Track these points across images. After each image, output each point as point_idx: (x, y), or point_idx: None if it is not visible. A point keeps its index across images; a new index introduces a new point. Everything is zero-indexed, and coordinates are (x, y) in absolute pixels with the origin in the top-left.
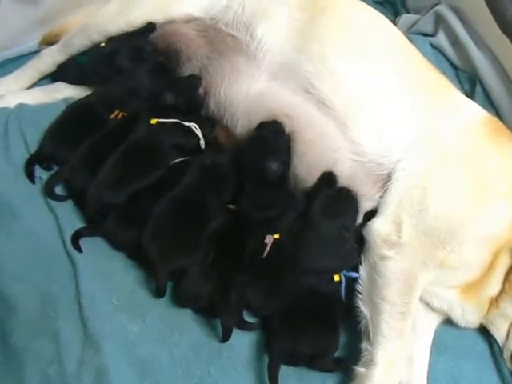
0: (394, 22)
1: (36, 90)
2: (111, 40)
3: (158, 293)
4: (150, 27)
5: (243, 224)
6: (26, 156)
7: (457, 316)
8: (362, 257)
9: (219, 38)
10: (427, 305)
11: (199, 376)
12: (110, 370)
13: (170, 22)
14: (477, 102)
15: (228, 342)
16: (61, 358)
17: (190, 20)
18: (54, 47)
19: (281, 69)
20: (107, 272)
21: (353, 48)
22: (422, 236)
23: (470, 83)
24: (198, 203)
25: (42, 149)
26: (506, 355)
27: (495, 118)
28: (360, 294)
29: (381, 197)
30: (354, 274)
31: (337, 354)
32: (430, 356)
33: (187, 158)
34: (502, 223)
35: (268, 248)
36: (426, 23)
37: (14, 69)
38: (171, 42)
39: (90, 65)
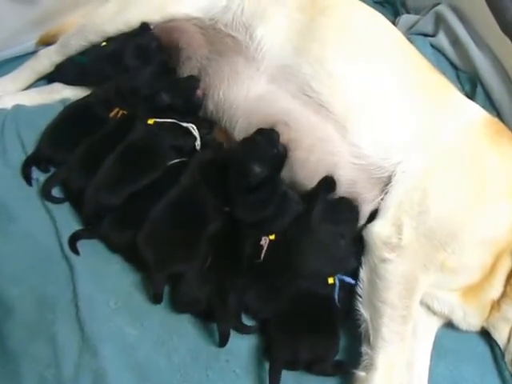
0: (393, 23)
1: (33, 90)
2: (112, 39)
3: (155, 299)
4: (144, 28)
5: (239, 227)
6: (23, 158)
7: (458, 319)
8: (363, 259)
9: (219, 38)
10: (428, 308)
11: (197, 380)
12: (108, 373)
13: (171, 19)
14: (477, 103)
15: (226, 346)
16: (58, 362)
17: (189, 19)
18: (52, 48)
19: (280, 71)
20: (105, 274)
21: (352, 49)
22: (422, 238)
23: (471, 84)
24: (196, 205)
25: (38, 150)
26: (508, 358)
27: (496, 119)
28: (360, 296)
29: (381, 199)
30: (348, 279)
31: (336, 357)
32: (431, 359)
33: (185, 159)
34: (503, 225)
35: (264, 250)
36: (426, 23)
37: (10, 70)
38: (174, 38)
39: (91, 64)
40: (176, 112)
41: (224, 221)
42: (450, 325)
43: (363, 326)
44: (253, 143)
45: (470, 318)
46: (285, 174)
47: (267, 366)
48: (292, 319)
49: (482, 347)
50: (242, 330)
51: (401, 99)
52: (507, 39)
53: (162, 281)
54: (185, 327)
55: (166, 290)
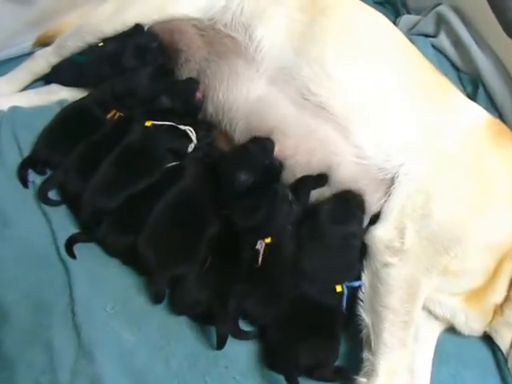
0: (394, 23)
1: (30, 92)
2: (109, 40)
3: (157, 299)
4: (138, 29)
5: (238, 231)
6: (19, 160)
7: (460, 324)
8: (364, 263)
9: (218, 38)
10: (429, 312)
11: None
12: (104, 379)
13: (170, 19)
14: (479, 104)
15: (225, 351)
16: (54, 368)
17: (188, 19)
18: (48, 49)
19: (279, 73)
20: (102, 279)
21: (353, 49)
22: (425, 242)
23: (473, 85)
24: (195, 207)
25: (35, 152)
26: (511, 364)
27: (498, 121)
28: (362, 301)
29: (384, 202)
30: (356, 284)
31: (337, 362)
32: (433, 365)
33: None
34: (506, 229)
35: (261, 254)
36: (428, 24)
37: (6, 71)
38: (172, 39)
39: (89, 65)
40: (175, 115)
41: (223, 223)
42: (451, 329)
43: (364, 331)
44: (243, 150)
45: (472, 323)
46: (288, 178)
47: (267, 372)
48: (291, 323)
49: (485, 352)
50: (240, 335)
51: (402, 100)
52: (509, 40)
53: (164, 280)
54: (183, 332)
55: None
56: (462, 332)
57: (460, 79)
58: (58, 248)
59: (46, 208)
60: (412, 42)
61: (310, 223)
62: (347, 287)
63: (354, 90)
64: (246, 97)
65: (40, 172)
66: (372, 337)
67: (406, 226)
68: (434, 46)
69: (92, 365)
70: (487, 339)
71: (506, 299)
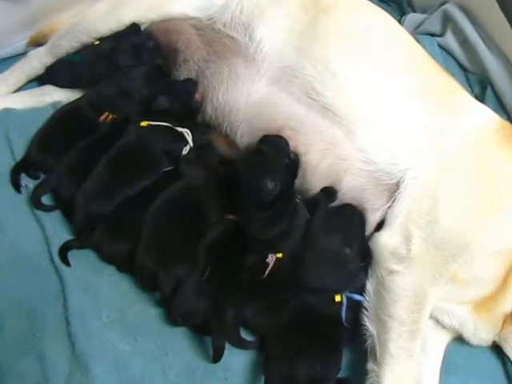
0: (399, 22)
1: (23, 93)
2: (105, 39)
3: (163, 301)
4: (134, 28)
5: (244, 240)
6: (12, 164)
7: (469, 333)
8: (369, 271)
9: (217, 38)
10: (437, 322)
11: None
12: None
13: (167, 18)
14: (487, 106)
15: (224, 362)
16: (47, 380)
17: (186, 18)
18: (42, 49)
19: (281, 73)
20: (96, 287)
21: (357, 49)
22: (432, 249)
23: (481, 86)
24: (198, 209)
25: (28, 156)
26: None
27: (508, 123)
28: (366, 310)
29: (389, 207)
30: (358, 297)
31: (340, 374)
32: (440, 375)
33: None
34: None
35: (270, 267)
36: (434, 23)
37: None
38: (172, 39)
39: (84, 64)
40: (172, 116)
41: (225, 230)
42: (460, 339)
43: (369, 341)
44: (260, 155)
45: (481, 333)
46: (296, 180)
47: None
48: (291, 334)
49: (494, 362)
50: (242, 345)
51: (408, 101)
52: None
53: (170, 282)
54: (180, 342)
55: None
56: (470, 342)
57: (467, 80)
58: (51, 255)
59: (39, 213)
60: (418, 41)
61: (306, 231)
62: (347, 298)
63: (357, 90)
64: (246, 98)
65: (33, 176)
66: (377, 347)
67: (412, 232)
68: (440, 46)
69: (86, 376)
70: (496, 349)
71: None
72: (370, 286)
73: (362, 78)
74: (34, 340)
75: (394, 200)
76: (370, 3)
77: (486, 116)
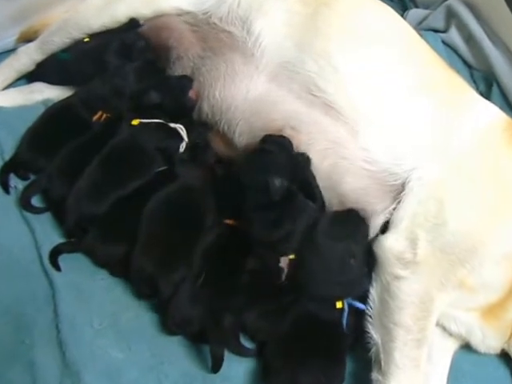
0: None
1: (12, 91)
2: (95, 35)
3: (161, 306)
4: (133, 24)
5: (242, 244)
6: (0, 164)
7: (476, 341)
8: (373, 276)
9: (213, 34)
10: (443, 329)
11: None
12: None
13: (161, 15)
14: (493, 104)
15: (223, 371)
16: None
17: (181, 13)
18: (32, 45)
19: (281, 68)
20: (88, 292)
21: (360, 44)
22: (439, 253)
23: (486, 83)
24: (194, 211)
25: (17, 156)
26: None
27: None
28: (370, 317)
29: (394, 210)
30: (359, 305)
31: None
32: None
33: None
34: None
35: (286, 271)
36: (437, 18)
37: None
38: (162, 37)
39: (73, 62)
40: (166, 114)
41: (221, 234)
42: (467, 347)
43: (373, 349)
44: (263, 153)
45: (489, 340)
46: None
47: None
48: (292, 342)
49: (502, 371)
50: (242, 352)
51: (413, 99)
52: None
53: (170, 285)
54: (177, 350)
55: (155, 311)
56: (478, 349)
57: (472, 77)
58: (41, 259)
59: (29, 216)
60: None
61: (309, 234)
62: (348, 305)
63: (360, 85)
64: (245, 95)
65: (22, 177)
66: (382, 356)
67: (418, 236)
68: (444, 42)
69: None
70: (505, 357)
71: None
72: (373, 292)
73: (364, 73)
74: (23, 348)
75: (399, 202)
76: None
77: (493, 114)
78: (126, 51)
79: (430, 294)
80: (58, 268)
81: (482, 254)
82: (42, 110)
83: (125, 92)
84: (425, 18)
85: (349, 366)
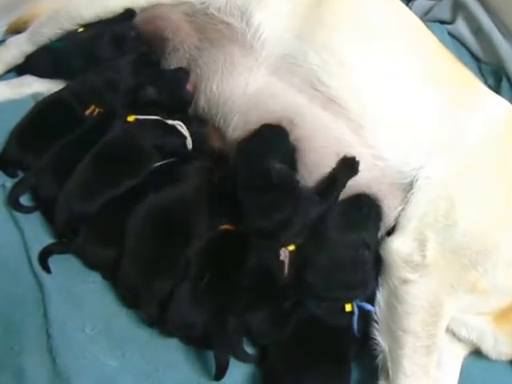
0: None
1: (0, 84)
2: (89, 26)
3: (149, 321)
4: (129, 14)
5: (242, 245)
6: None
7: (488, 347)
8: (380, 280)
9: (211, 25)
10: (453, 335)
11: None
12: None
13: (156, 5)
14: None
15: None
16: None
17: (177, 3)
18: (22, 36)
19: (282, 61)
20: (80, 296)
21: (365, 35)
22: (449, 256)
23: (495, 77)
24: (186, 217)
25: (5, 152)
26: None
27: None
28: (377, 323)
29: (402, 210)
30: (369, 307)
31: None
32: None
33: (172, 159)
34: None
35: (287, 264)
36: (443, 9)
37: None
38: (157, 27)
39: (66, 53)
40: (161, 108)
41: (217, 237)
42: (477, 353)
43: (380, 357)
44: (263, 138)
45: (501, 346)
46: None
47: None
48: (296, 347)
49: None
50: (244, 358)
51: (421, 94)
52: None
53: (154, 300)
54: (173, 356)
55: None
56: (489, 356)
57: (480, 71)
58: (30, 260)
59: (18, 215)
60: None
61: (316, 229)
62: (358, 307)
63: (367, 81)
64: (244, 89)
65: (11, 174)
66: (389, 364)
67: (428, 237)
68: (450, 34)
69: None
70: None
71: None
72: (380, 296)
73: (370, 66)
74: (12, 354)
75: (407, 202)
76: None
77: (504, 109)
78: (118, 43)
79: (440, 299)
80: (47, 270)
81: (495, 255)
82: (31, 104)
83: (119, 85)
84: (430, 9)
85: (354, 373)
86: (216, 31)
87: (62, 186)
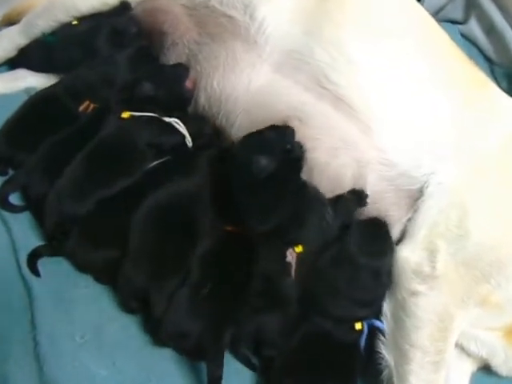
0: None
1: None
2: (84, 19)
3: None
4: (124, 7)
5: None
6: None
7: (498, 363)
8: (387, 292)
9: (212, 18)
10: (461, 349)
11: None
12: None
13: None
14: None
15: None
16: None
17: None
18: (14, 28)
19: (287, 57)
20: (70, 301)
21: (375, 31)
22: (461, 267)
23: (508, 80)
24: (191, 215)
25: None
26: None
27: None
28: (383, 336)
29: (411, 218)
30: (379, 324)
31: None
32: None
33: (168, 158)
34: None
35: (294, 266)
36: (455, 8)
37: None
38: (156, 21)
39: (60, 47)
40: (159, 106)
41: (220, 241)
42: (486, 369)
43: (386, 372)
44: (259, 135)
45: None
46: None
47: None
48: (301, 360)
49: None
50: (248, 364)
51: (433, 95)
52: None
53: (164, 299)
54: (166, 365)
55: (144, 321)
56: (498, 372)
57: (493, 73)
58: (18, 263)
59: (6, 214)
60: None
61: (335, 247)
62: (368, 325)
63: (377, 80)
64: (246, 85)
65: (0, 172)
66: (395, 379)
67: (438, 247)
68: (462, 35)
69: None
70: None
71: None
72: (387, 308)
73: (380, 66)
74: None
75: (416, 209)
76: None
77: None
78: (117, 37)
79: (450, 312)
80: (36, 273)
81: (510, 268)
82: (24, 98)
83: (115, 80)
84: (442, 8)
85: None
86: (217, 25)
87: (53, 185)
